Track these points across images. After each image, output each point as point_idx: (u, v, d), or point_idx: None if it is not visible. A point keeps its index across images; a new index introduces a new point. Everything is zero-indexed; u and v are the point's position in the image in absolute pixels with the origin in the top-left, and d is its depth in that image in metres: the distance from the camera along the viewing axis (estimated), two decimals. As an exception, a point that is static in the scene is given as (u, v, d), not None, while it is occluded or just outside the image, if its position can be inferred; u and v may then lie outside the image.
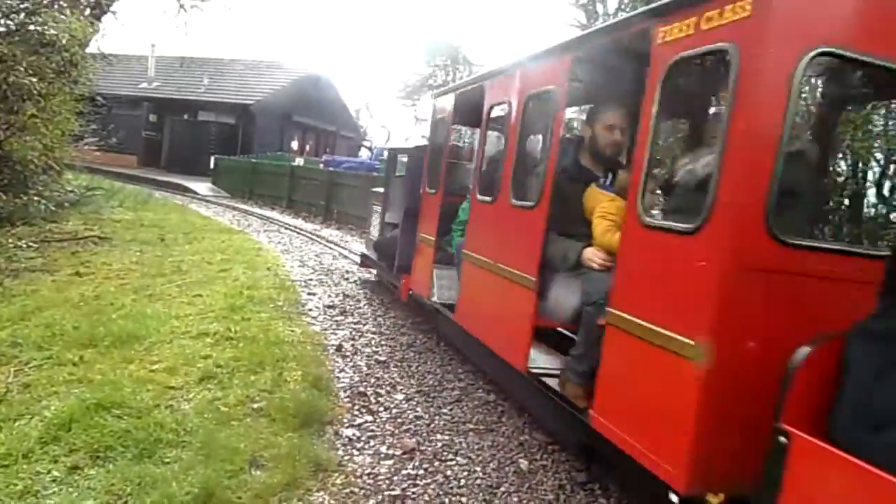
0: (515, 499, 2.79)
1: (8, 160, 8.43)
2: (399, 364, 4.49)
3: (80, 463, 2.64)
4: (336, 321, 5.46)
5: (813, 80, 2.38)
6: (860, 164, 2.64)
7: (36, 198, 8.79)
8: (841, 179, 2.42)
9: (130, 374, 3.58)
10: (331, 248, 9.79)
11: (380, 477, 2.86)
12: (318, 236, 11.29)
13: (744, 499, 1.95)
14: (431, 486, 2.82)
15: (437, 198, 4.95)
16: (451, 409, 3.75)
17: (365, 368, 4.31)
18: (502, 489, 2.87)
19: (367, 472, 2.89)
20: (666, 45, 2.40)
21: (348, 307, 6.00)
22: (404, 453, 3.11)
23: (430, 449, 3.20)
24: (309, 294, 6.35)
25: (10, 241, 7.11)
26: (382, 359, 4.55)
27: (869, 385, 1.68)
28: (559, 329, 3.58)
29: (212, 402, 3.34)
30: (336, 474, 2.82)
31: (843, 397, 1.73)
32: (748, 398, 1.96)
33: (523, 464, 3.12)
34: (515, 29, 42.51)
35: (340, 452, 3.06)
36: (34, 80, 7.72)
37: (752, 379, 1.95)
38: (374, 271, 7.22)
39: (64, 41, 8.48)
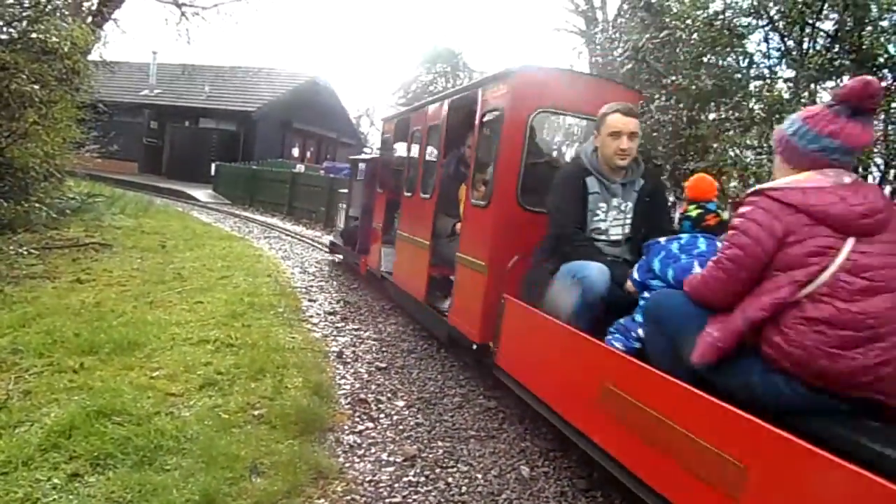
0: (517, 506, 2.78)
1: (9, 167, 8.43)
2: (400, 371, 4.49)
3: (80, 470, 2.62)
4: (337, 328, 5.45)
5: (537, 125, 4.38)
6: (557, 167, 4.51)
7: (37, 205, 8.79)
8: (544, 174, 4.09)
9: (131, 381, 3.57)
10: (332, 255, 9.79)
11: (381, 484, 2.85)
12: (319, 243, 11.29)
13: None
14: (433, 494, 2.81)
15: (384, 196, 6.79)
16: (452, 416, 3.74)
17: (366, 375, 4.30)
18: (504, 496, 2.85)
19: (368, 479, 2.88)
20: (482, 102, 4.30)
21: (349, 314, 5.99)
22: (405, 460, 3.10)
23: (431, 456, 3.19)
24: (310, 301, 6.35)
25: (12, 247, 7.10)
26: (383, 365, 4.54)
27: (532, 267, 3.49)
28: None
29: (212, 409, 3.33)
30: (337, 481, 2.81)
31: (525, 275, 3.53)
32: (505, 290, 3.67)
33: (525, 470, 3.11)
34: (515, 35, 42.66)
35: (341, 459, 3.05)
36: (36, 87, 7.72)
37: (507, 279, 3.73)
38: (341, 256, 8.92)
39: (66, 49, 8.50)
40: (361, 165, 8.48)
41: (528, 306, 3.29)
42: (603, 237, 3.28)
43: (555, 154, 4.92)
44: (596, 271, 2.92)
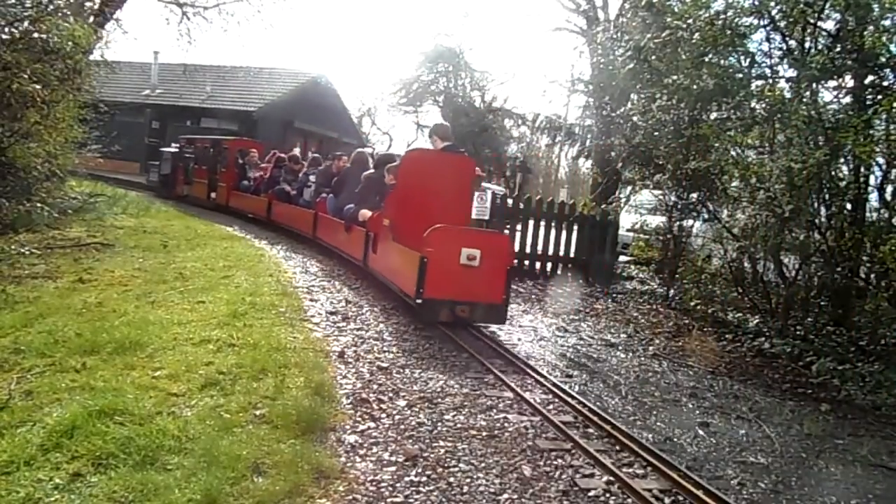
0: (518, 506, 2.78)
1: (11, 167, 8.46)
2: (401, 370, 4.49)
3: (82, 470, 2.63)
4: (338, 327, 5.45)
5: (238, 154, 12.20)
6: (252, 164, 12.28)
7: (39, 205, 8.80)
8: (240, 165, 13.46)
9: (133, 381, 3.58)
10: (333, 254, 9.79)
11: (382, 484, 2.85)
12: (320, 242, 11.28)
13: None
14: (434, 494, 2.82)
15: (182, 166, 15.96)
16: (453, 416, 3.74)
17: (367, 375, 4.30)
18: (505, 496, 2.86)
19: (369, 478, 2.89)
20: (223, 145, 14.48)
21: (350, 313, 5.99)
22: (407, 460, 3.10)
23: (432, 455, 3.19)
24: (311, 300, 6.34)
25: (14, 247, 7.12)
26: (384, 365, 4.54)
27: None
28: None
29: (214, 408, 3.34)
30: (338, 481, 2.82)
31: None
32: (230, 187, 13.77)
33: (526, 470, 3.11)
34: (517, 35, 42.72)
35: (343, 459, 3.05)
36: (38, 87, 7.74)
37: (230, 186, 13.92)
38: (153, 191, 16.98)
39: (68, 49, 8.52)
40: (169, 150, 16.88)
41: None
42: None
43: (243, 161, 12.82)
44: None
